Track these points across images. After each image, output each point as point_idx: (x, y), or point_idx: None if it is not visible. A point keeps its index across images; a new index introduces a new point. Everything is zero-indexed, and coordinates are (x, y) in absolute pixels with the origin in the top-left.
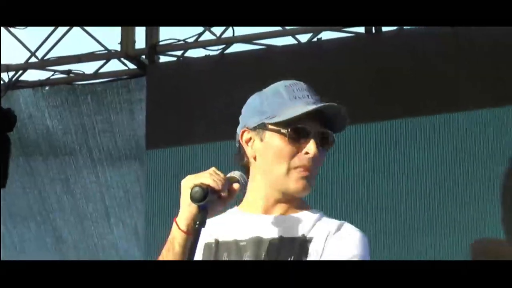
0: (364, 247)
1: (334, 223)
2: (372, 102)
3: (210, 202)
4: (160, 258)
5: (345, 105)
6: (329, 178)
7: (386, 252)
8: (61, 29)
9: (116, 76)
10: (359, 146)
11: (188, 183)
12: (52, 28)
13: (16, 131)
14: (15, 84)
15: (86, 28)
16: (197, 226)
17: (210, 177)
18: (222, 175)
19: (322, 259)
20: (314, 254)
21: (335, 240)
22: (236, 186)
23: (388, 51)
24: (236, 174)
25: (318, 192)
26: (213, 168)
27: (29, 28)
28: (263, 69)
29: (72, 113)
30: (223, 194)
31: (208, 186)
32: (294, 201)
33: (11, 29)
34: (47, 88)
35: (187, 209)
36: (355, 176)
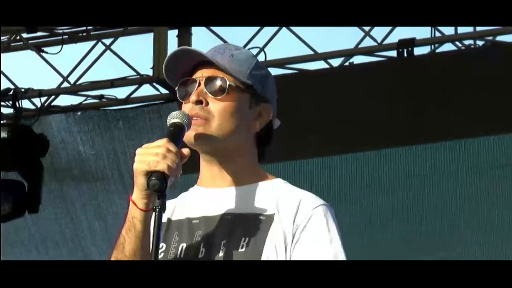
0: (332, 223)
1: (294, 201)
2: (405, 126)
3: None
4: (120, 240)
5: (377, 129)
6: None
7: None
8: (93, 54)
9: (148, 100)
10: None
11: (142, 168)
12: (84, 53)
13: (49, 156)
14: (48, 109)
15: (118, 53)
16: (157, 211)
17: (164, 161)
18: (174, 149)
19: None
20: (276, 234)
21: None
22: (186, 151)
23: (420, 75)
24: (177, 117)
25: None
26: (165, 143)
27: (62, 53)
28: (296, 92)
29: (104, 138)
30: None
31: (164, 174)
32: (245, 171)
33: (44, 54)
34: (79, 113)
35: (144, 193)
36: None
